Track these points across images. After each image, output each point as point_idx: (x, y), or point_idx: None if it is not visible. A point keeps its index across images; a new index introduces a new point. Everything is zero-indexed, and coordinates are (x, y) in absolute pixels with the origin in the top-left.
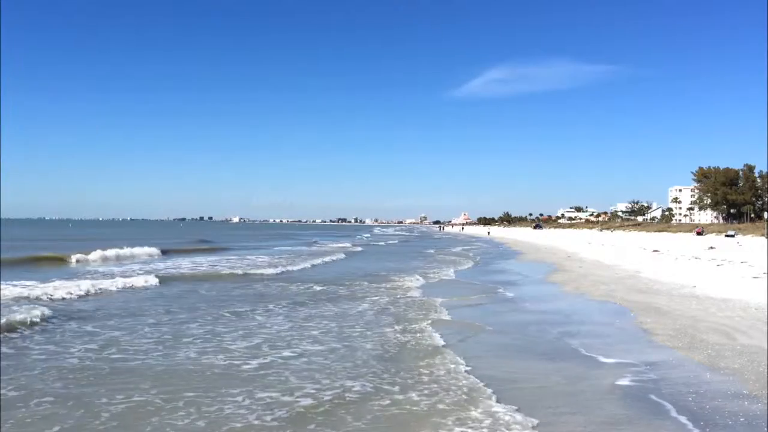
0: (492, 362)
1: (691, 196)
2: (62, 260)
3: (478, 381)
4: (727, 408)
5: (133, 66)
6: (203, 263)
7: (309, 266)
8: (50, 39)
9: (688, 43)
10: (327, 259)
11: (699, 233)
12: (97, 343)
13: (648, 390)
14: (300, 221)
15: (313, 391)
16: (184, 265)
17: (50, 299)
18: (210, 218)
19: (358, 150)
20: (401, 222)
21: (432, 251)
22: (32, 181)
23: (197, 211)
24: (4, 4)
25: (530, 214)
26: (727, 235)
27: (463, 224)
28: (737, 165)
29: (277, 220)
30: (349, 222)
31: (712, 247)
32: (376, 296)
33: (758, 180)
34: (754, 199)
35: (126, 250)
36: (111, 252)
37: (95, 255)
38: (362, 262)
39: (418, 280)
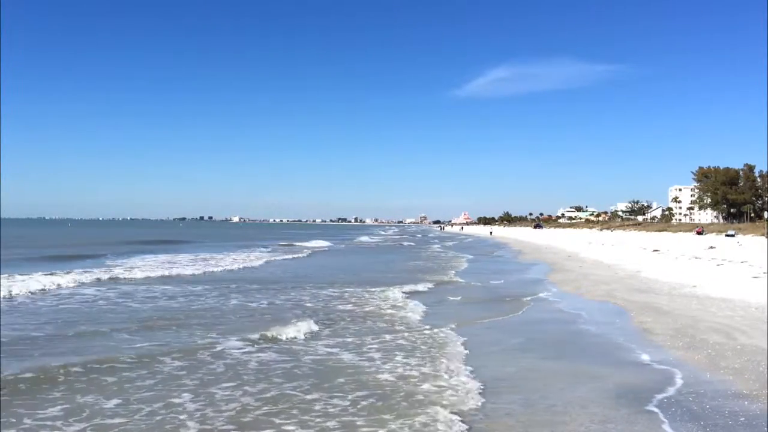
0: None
1: (691, 195)
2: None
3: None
4: (727, 408)
5: (133, 66)
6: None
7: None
8: (50, 39)
9: (688, 43)
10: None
11: (699, 233)
12: None
13: (648, 390)
14: (300, 221)
15: None
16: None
17: None
18: (210, 218)
19: (359, 150)
20: (401, 222)
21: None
22: (32, 181)
23: (197, 211)
24: (4, 3)
25: (530, 214)
26: (727, 235)
27: (463, 224)
28: (737, 165)
29: (277, 220)
30: (350, 222)
31: (712, 247)
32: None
33: (758, 180)
34: (754, 198)
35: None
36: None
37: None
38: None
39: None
